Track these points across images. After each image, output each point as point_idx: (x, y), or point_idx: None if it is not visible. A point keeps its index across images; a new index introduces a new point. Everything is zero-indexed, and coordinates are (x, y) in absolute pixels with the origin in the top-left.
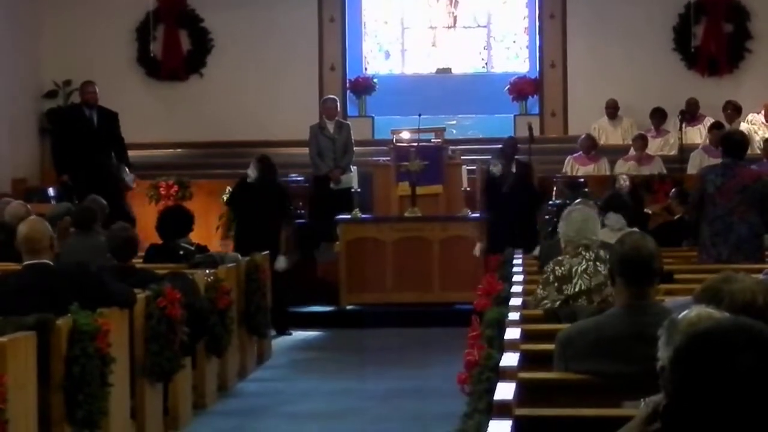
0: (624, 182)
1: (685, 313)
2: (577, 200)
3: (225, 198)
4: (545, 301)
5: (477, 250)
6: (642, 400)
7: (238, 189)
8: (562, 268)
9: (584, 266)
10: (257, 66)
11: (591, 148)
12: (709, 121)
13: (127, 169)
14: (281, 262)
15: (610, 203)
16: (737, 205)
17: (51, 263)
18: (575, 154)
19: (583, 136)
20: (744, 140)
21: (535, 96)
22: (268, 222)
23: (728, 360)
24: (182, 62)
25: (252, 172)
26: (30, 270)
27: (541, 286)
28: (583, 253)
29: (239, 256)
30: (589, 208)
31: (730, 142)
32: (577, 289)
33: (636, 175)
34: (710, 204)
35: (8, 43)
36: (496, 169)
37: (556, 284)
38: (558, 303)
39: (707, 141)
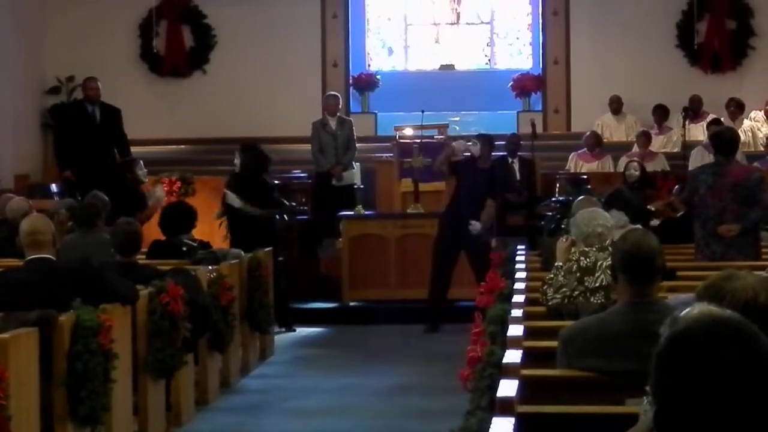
0: (635, 171)
1: (686, 310)
2: (580, 197)
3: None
4: (564, 289)
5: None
6: (645, 397)
7: (230, 182)
8: (588, 260)
9: (609, 261)
10: (260, 62)
11: (595, 145)
12: (712, 118)
13: (141, 163)
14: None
15: (613, 200)
16: (729, 204)
17: (53, 258)
18: (579, 151)
19: (588, 133)
20: (734, 137)
21: (538, 93)
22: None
23: (710, 356)
24: (185, 58)
25: (236, 161)
26: (32, 265)
27: (562, 273)
28: (611, 248)
29: (242, 252)
30: (590, 203)
31: (721, 140)
32: (597, 284)
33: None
34: (702, 206)
35: (11, 39)
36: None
37: (578, 274)
38: (577, 293)
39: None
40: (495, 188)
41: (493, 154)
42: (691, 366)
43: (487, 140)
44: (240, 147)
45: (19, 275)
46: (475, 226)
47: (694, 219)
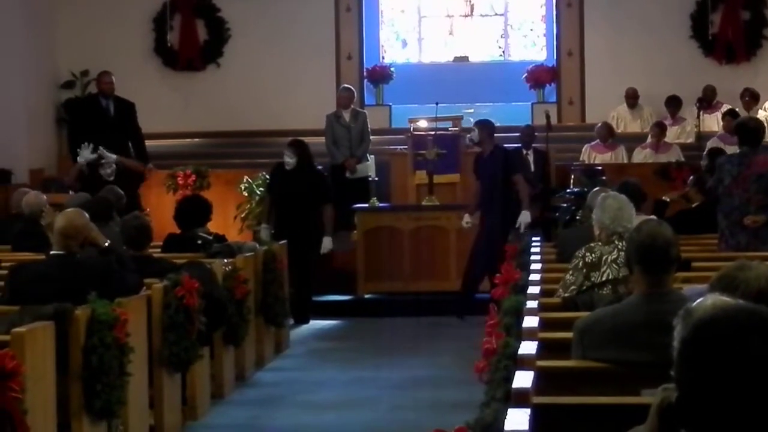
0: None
1: (699, 301)
2: (596, 188)
3: (246, 187)
4: (573, 287)
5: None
6: (660, 388)
7: (275, 175)
8: (593, 255)
9: (615, 255)
10: (274, 55)
11: (608, 136)
12: (726, 108)
13: (107, 164)
14: (328, 243)
15: (624, 191)
16: (754, 195)
17: (76, 255)
18: (592, 143)
19: (599, 124)
20: (759, 127)
21: (552, 84)
22: (306, 207)
23: (737, 346)
24: (199, 52)
25: (290, 159)
26: (53, 259)
27: (570, 272)
28: (616, 242)
29: (257, 245)
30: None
31: (745, 131)
32: (604, 278)
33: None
34: (726, 195)
35: (25, 33)
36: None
37: (584, 270)
38: (584, 288)
39: (723, 129)
40: (510, 168)
41: (494, 136)
42: (715, 355)
43: (484, 125)
44: (290, 144)
45: (39, 268)
46: (523, 218)
47: (718, 209)
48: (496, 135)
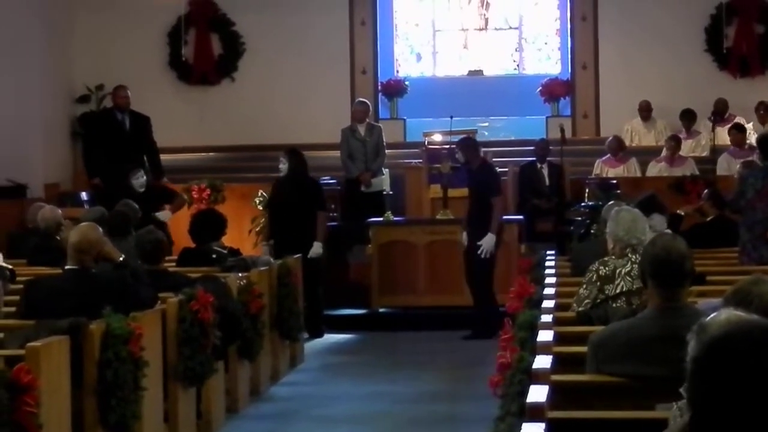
0: None
1: (713, 316)
2: (610, 202)
3: (260, 201)
4: (587, 301)
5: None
6: (674, 403)
7: (275, 188)
8: (607, 269)
9: (628, 268)
10: (289, 69)
11: (618, 149)
12: (740, 121)
13: (140, 172)
14: (317, 248)
15: (650, 204)
16: None
17: (92, 269)
18: (604, 158)
19: (610, 138)
20: None
21: (566, 98)
22: (302, 215)
23: (752, 361)
24: (214, 66)
25: (283, 165)
26: (69, 274)
27: (584, 286)
28: (630, 255)
29: (272, 259)
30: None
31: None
32: (618, 291)
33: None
34: (749, 209)
35: (41, 47)
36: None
37: (598, 284)
38: (598, 301)
39: (731, 143)
40: (490, 188)
41: (481, 151)
42: (729, 372)
43: (464, 145)
44: (285, 151)
45: (54, 283)
46: (485, 241)
47: (740, 222)
48: (512, 149)
